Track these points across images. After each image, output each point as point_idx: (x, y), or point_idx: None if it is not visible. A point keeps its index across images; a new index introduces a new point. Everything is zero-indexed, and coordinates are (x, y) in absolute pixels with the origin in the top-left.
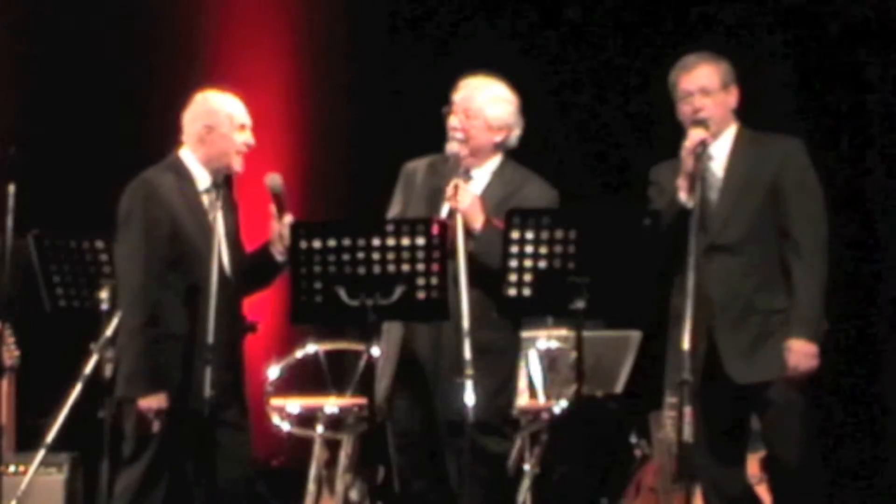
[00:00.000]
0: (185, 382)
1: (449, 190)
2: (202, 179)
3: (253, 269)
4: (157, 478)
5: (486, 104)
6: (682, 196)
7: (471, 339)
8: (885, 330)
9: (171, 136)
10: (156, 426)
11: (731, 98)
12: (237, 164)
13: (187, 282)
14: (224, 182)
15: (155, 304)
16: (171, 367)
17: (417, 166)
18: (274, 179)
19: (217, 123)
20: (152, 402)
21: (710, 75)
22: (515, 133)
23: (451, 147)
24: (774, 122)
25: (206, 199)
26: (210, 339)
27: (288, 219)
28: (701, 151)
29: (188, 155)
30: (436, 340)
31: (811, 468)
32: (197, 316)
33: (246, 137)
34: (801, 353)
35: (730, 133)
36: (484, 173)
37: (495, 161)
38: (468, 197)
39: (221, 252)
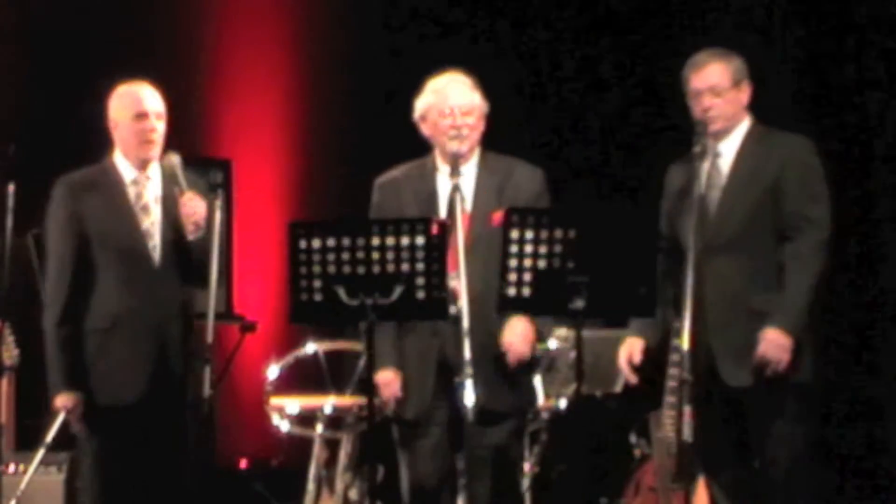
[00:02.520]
0: (115, 375)
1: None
2: (127, 172)
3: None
4: (108, 472)
5: (472, 96)
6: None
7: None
8: (884, 330)
9: (170, 136)
10: (75, 427)
11: (743, 95)
12: (146, 153)
13: (115, 275)
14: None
15: (72, 302)
16: (99, 362)
17: (395, 177)
18: (165, 160)
19: (118, 118)
20: (63, 402)
21: (721, 73)
22: None
23: (453, 147)
24: (777, 114)
25: (132, 191)
26: (209, 338)
27: (186, 196)
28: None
29: (116, 150)
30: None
31: (802, 474)
32: (128, 307)
33: (145, 126)
34: (773, 342)
35: (741, 130)
36: (471, 166)
37: (477, 151)
38: (522, 340)
39: (147, 242)
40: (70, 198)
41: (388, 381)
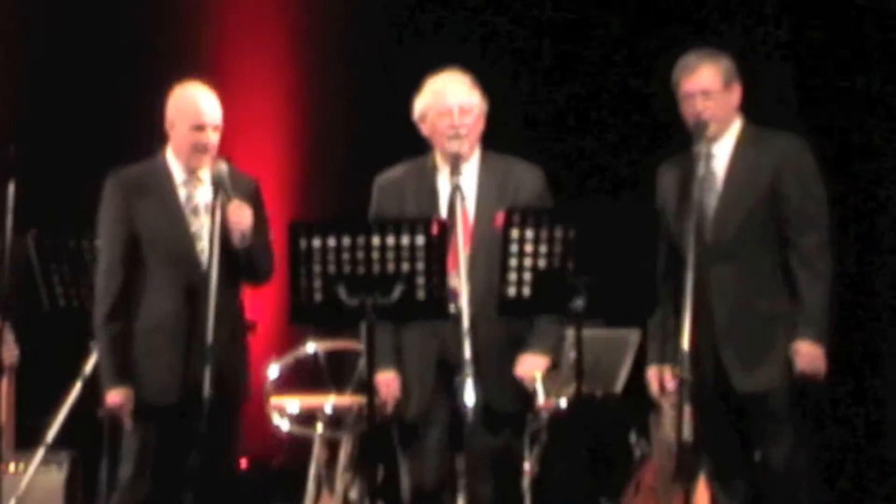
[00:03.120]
0: (158, 375)
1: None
2: (178, 173)
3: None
4: (142, 471)
5: (472, 94)
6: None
7: (502, 331)
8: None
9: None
10: (126, 423)
11: (734, 96)
12: (196, 162)
13: (163, 275)
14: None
15: (122, 299)
16: (143, 362)
17: (395, 176)
18: (214, 167)
19: (175, 119)
20: (113, 398)
21: (712, 76)
22: None
23: (454, 146)
24: (772, 114)
25: (182, 193)
26: (209, 338)
27: (234, 204)
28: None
29: (169, 148)
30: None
31: (802, 476)
32: (174, 309)
33: (200, 138)
34: (809, 355)
35: (733, 131)
36: (472, 166)
37: (477, 151)
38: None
39: (195, 244)
40: (121, 196)
41: (388, 381)
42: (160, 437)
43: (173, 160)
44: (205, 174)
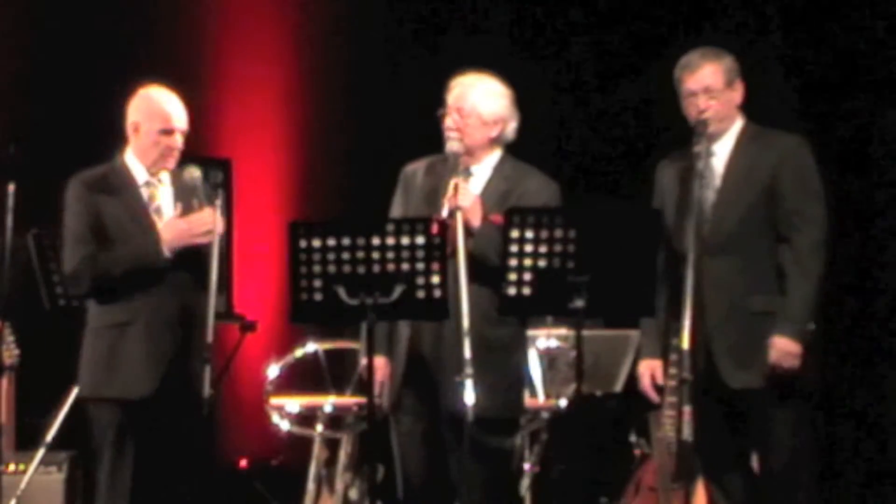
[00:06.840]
0: (130, 370)
1: (449, 189)
2: (139, 174)
3: None
4: (124, 466)
5: (478, 100)
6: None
7: (477, 336)
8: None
9: None
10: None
11: (736, 94)
12: (167, 165)
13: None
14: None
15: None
16: (119, 355)
17: (416, 168)
18: (188, 172)
19: (142, 124)
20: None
21: (715, 74)
22: (512, 126)
23: (451, 146)
24: (771, 113)
25: (145, 193)
26: (209, 338)
27: (206, 209)
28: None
29: (129, 149)
30: (438, 338)
31: (800, 475)
32: (141, 304)
33: (170, 142)
34: (783, 350)
35: (734, 129)
36: (484, 169)
37: (494, 157)
38: (469, 196)
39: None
40: (87, 192)
41: (378, 366)
42: (134, 431)
43: (134, 162)
44: (164, 176)
